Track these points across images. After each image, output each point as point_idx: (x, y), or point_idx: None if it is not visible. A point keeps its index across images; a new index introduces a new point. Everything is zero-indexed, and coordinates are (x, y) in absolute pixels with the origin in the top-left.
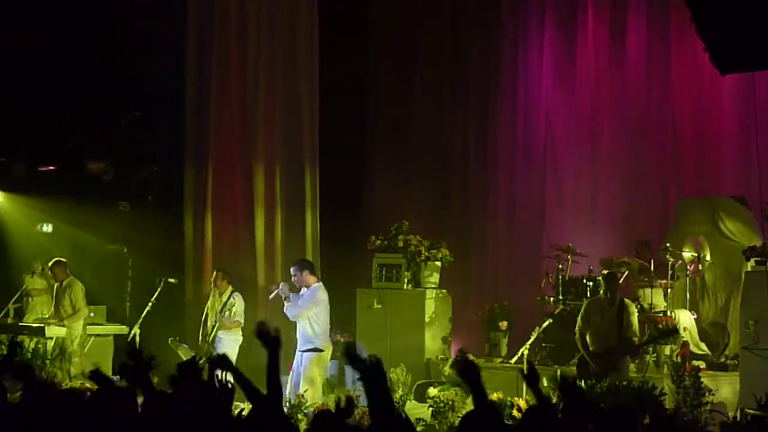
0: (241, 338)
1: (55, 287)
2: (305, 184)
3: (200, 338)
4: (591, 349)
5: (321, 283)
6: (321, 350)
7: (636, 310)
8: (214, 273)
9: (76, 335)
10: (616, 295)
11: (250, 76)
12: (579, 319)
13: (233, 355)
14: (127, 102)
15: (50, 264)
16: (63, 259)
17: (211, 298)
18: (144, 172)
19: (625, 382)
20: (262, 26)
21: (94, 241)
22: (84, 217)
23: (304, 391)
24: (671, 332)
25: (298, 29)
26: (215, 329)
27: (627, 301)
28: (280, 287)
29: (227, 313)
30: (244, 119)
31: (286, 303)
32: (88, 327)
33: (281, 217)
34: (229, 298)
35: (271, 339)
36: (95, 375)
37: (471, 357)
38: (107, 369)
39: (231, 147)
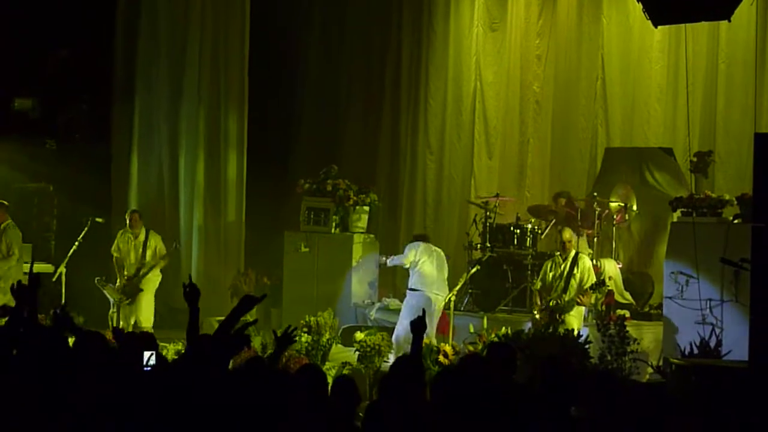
0: (160, 275)
1: None
2: (232, 125)
3: (120, 280)
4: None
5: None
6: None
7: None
8: (132, 215)
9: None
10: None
11: (179, 13)
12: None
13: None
14: (56, 39)
15: None
16: (5, 202)
17: (123, 239)
18: (71, 110)
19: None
20: None
21: (19, 178)
22: (9, 155)
23: None
24: (599, 284)
25: None
26: (142, 270)
27: (582, 255)
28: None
29: (149, 252)
30: (172, 58)
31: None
32: None
33: (204, 157)
34: (147, 238)
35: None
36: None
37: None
38: None
39: (158, 86)
